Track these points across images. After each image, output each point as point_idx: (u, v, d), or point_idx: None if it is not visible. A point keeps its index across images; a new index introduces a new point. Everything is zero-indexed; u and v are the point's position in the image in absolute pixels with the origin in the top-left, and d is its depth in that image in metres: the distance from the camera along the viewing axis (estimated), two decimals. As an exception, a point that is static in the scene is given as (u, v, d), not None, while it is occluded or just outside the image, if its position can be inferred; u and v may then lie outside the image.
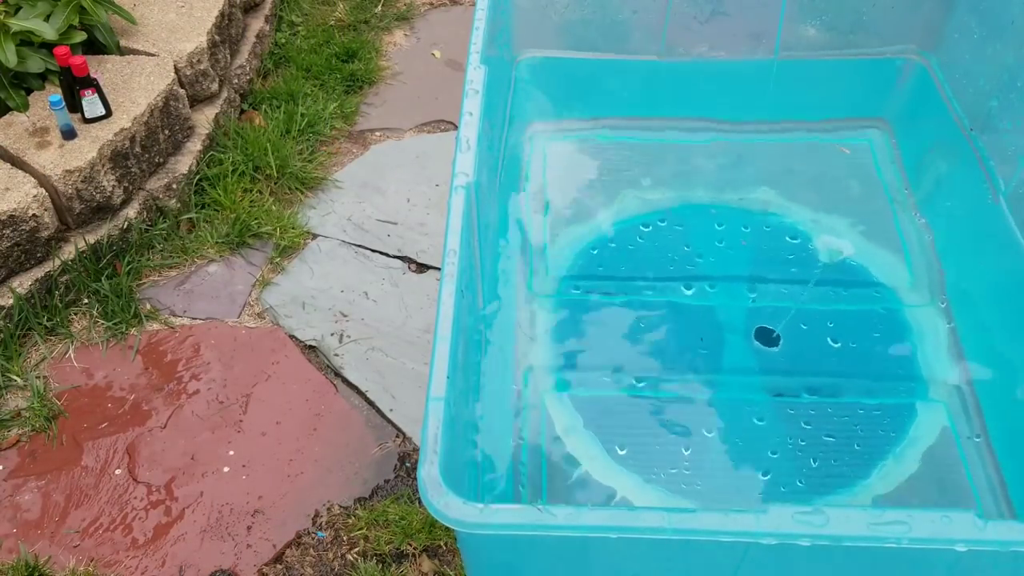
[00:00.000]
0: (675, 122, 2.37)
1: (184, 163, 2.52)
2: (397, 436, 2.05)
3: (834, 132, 2.35)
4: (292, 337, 2.26)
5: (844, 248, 2.09)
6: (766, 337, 1.93)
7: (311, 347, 2.24)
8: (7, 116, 2.32)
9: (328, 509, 1.93)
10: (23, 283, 2.18)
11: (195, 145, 2.58)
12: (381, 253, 2.48)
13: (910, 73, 2.29)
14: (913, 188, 2.19)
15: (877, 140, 2.32)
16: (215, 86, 2.67)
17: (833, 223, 2.14)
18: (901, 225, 2.13)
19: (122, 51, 2.56)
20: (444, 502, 1.06)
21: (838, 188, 2.22)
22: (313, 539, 1.88)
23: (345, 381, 2.16)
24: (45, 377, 2.15)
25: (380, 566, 1.81)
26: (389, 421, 2.08)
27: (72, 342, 2.23)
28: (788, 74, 2.32)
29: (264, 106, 2.89)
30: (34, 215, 2.14)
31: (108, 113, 2.31)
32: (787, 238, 2.12)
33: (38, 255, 2.21)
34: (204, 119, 2.65)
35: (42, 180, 2.19)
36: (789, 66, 2.31)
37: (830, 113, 2.35)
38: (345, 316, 2.31)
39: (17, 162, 2.22)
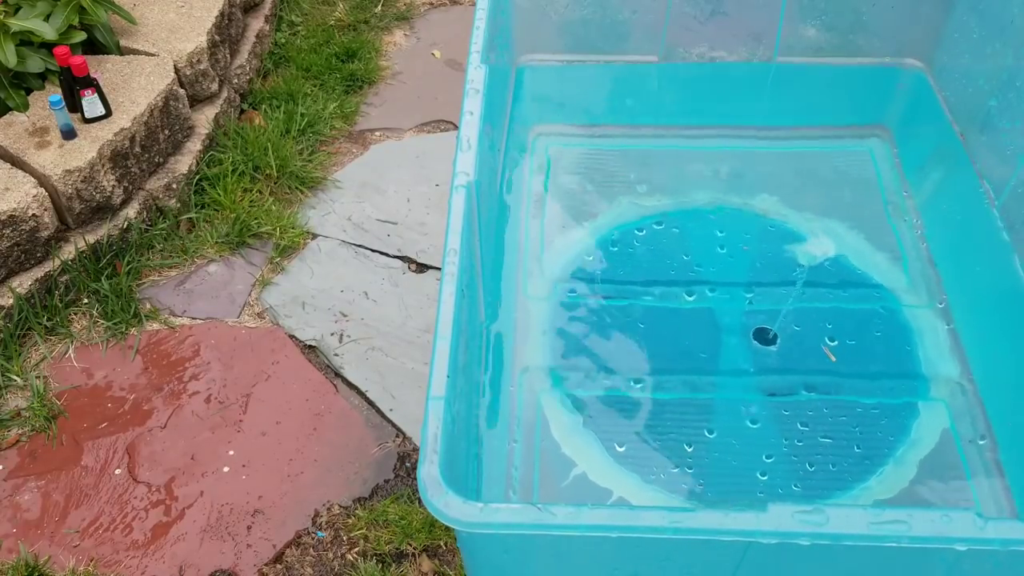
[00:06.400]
0: (674, 128, 2.37)
1: (184, 163, 2.52)
2: (397, 436, 2.06)
3: (834, 139, 2.34)
4: (292, 337, 2.26)
5: (842, 252, 2.09)
6: (763, 338, 1.93)
7: (311, 347, 2.24)
8: (7, 116, 2.32)
9: (328, 509, 1.93)
10: (23, 283, 2.18)
11: (195, 145, 2.58)
12: (381, 253, 2.48)
13: (909, 78, 2.29)
14: (912, 194, 2.19)
15: (877, 146, 2.32)
16: (215, 86, 2.67)
17: (833, 228, 2.14)
18: (899, 230, 2.13)
19: (122, 51, 2.56)
20: (444, 501, 1.06)
21: (838, 194, 2.22)
22: (313, 539, 1.88)
23: (345, 381, 2.16)
24: (45, 377, 2.15)
25: (380, 566, 1.82)
26: (389, 421, 2.08)
27: (72, 342, 2.23)
28: (787, 80, 2.32)
29: (264, 106, 2.89)
30: (34, 215, 2.14)
31: (108, 113, 2.31)
32: (786, 242, 2.12)
33: (38, 255, 2.21)
34: (204, 119, 2.65)
35: (42, 180, 2.19)
36: (788, 72, 2.31)
37: (830, 120, 2.35)
38: (345, 316, 2.31)
39: (17, 162, 2.22)
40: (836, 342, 1.91)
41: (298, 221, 2.55)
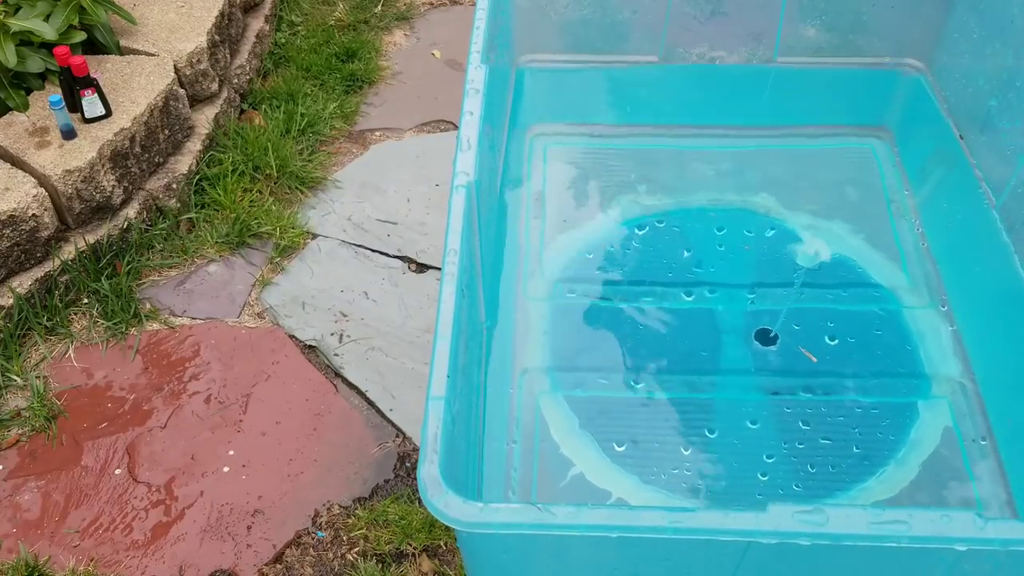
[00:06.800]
0: (674, 128, 2.37)
1: (184, 163, 2.52)
2: (397, 436, 2.06)
3: (834, 139, 2.34)
4: (292, 337, 2.26)
5: (843, 252, 2.09)
6: (764, 338, 1.93)
7: (311, 347, 2.24)
8: (7, 116, 2.32)
9: (328, 509, 1.93)
10: (23, 283, 2.18)
11: (195, 145, 2.58)
12: (381, 253, 2.48)
13: (909, 78, 2.29)
14: (913, 193, 2.19)
15: (878, 146, 2.32)
16: (215, 86, 2.67)
17: (833, 228, 2.14)
18: (900, 231, 2.13)
19: (122, 51, 2.56)
20: (444, 501, 1.06)
21: (838, 194, 2.22)
22: (313, 539, 1.88)
23: (345, 381, 2.16)
24: (45, 377, 2.15)
25: (380, 566, 1.82)
26: (389, 421, 2.08)
27: (72, 342, 2.23)
28: (787, 81, 2.32)
29: (264, 106, 2.89)
30: (34, 215, 2.14)
31: (108, 113, 2.31)
32: (787, 242, 2.12)
33: (38, 255, 2.21)
34: (204, 119, 2.65)
35: (42, 180, 2.19)
36: (788, 73, 2.31)
37: (830, 120, 2.35)
38: (345, 316, 2.31)
39: (17, 162, 2.22)
40: (837, 341, 1.91)
41: (298, 221, 2.55)
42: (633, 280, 2.04)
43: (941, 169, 2.15)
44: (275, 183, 2.63)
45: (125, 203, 2.38)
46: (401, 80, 3.11)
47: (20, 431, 2.05)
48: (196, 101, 2.66)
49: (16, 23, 2.25)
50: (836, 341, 1.91)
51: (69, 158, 2.21)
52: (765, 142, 2.34)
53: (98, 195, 2.27)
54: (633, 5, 2.23)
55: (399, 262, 2.46)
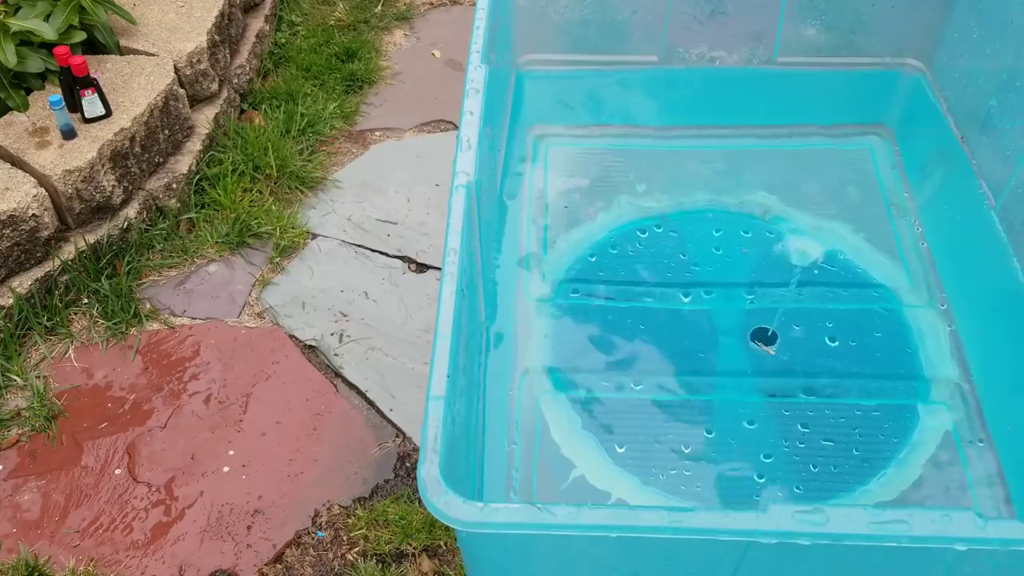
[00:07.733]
0: (674, 128, 2.36)
1: (184, 163, 2.52)
2: (397, 436, 2.06)
3: (834, 139, 2.34)
4: (292, 337, 2.26)
5: (843, 252, 2.09)
6: (763, 338, 1.93)
7: (311, 347, 2.24)
8: (7, 116, 2.32)
9: (328, 509, 1.93)
10: (23, 283, 2.18)
11: (195, 145, 2.58)
12: (381, 253, 2.48)
13: (909, 78, 2.29)
14: (912, 194, 2.19)
15: (877, 146, 2.32)
16: (215, 86, 2.67)
17: (833, 228, 2.14)
18: (900, 230, 2.13)
19: (122, 51, 2.56)
20: (444, 501, 1.06)
21: (838, 194, 2.22)
22: (313, 539, 1.88)
23: (345, 381, 2.16)
24: (45, 377, 2.15)
25: (380, 566, 1.82)
26: (389, 421, 2.08)
27: (72, 342, 2.23)
28: (787, 81, 2.32)
29: (264, 106, 2.89)
30: (34, 215, 2.14)
31: (108, 113, 2.31)
32: (786, 243, 2.12)
33: (38, 255, 2.21)
34: (204, 119, 2.65)
35: (42, 180, 2.19)
36: (788, 72, 2.30)
37: (830, 120, 2.35)
38: (345, 316, 2.31)
39: (17, 162, 2.22)
40: (837, 343, 1.91)
41: (298, 221, 2.55)
42: (633, 281, 2.04)
43: (941, 169, 2.15)
44: (275, 183, 2.63)
45: (125, 203, 2.38)
46: (401, 80, 3.11)
47: (20, 431, 2.05)
48: (196, 101, 2.66)
49: (16, 23, 2.25)
50: (836, 343, 1.91)
51: (69, 158, 2.21)
52: (765, 142, 2.34)
53: (98, 195, 2.27)
54: (633, 5, 2.23)
55: (399, 262, 2.46)
